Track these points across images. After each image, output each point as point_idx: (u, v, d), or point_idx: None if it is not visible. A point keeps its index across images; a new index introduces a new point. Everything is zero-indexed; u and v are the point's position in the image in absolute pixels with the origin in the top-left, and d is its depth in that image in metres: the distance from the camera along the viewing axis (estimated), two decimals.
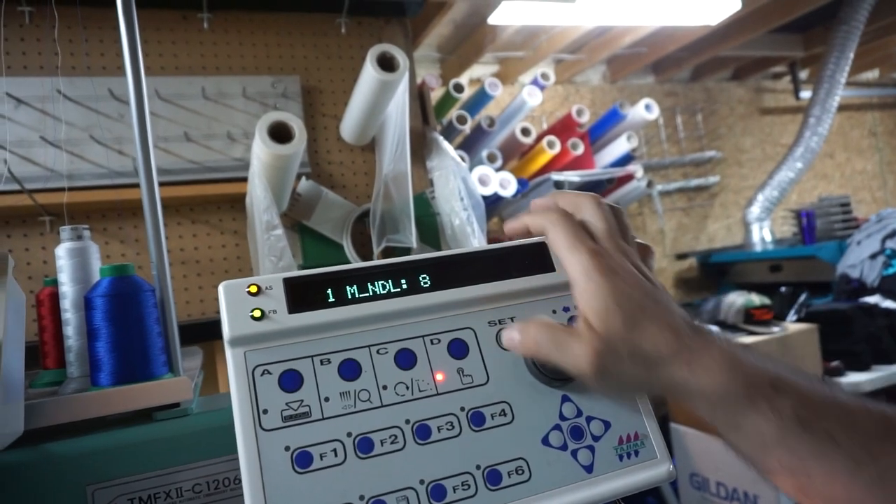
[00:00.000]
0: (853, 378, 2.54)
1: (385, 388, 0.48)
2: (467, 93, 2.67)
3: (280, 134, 1.34)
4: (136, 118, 0.78)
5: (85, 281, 0.70)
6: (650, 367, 0.42)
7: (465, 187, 1.67)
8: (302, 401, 0.47)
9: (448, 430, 0.48)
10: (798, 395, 0.39)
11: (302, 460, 0.44)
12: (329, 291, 0.50)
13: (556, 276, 0.55)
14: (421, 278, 0.53)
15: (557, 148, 2.83)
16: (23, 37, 1.46)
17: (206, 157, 1.55)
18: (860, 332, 2.63)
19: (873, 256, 2.91)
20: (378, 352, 0.50)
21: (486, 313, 0.53)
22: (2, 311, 0.53)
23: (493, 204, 2.83)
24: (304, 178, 1.61)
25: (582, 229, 0.48)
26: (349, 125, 1.65)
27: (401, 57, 1.40)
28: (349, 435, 0.46)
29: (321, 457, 0.45)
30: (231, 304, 0.48)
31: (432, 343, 0.51)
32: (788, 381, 0.40)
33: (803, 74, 4.60)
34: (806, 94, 4.33)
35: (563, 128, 3.10)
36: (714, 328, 0.47)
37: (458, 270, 0.54)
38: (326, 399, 0.47)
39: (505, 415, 0.49)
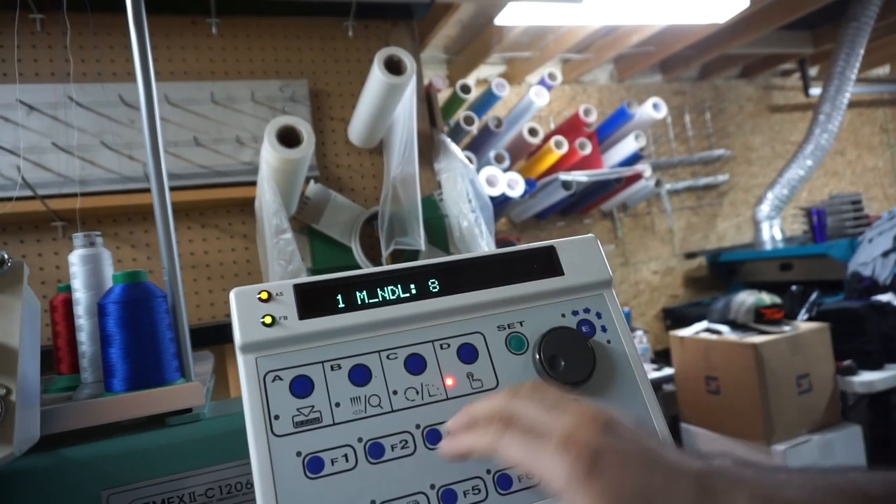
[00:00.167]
0: (866, 377, 2.52)
1: (395, 393, 0.49)
2: (474, 93, 2.67)
3: (288, 138, 1.34)
4: (147, 123, 0.79)
5: (98, 287, 0.71)
6: None
7: (472, 189, 1.67)
8: (313, 406, 0.47)
9: None
10: None
11: (313, 465, 0.45)
12: (339, 297, 0.51)
13: (565, 279, 0.55)
14: (430, 283, 0.53)
15: (565, 148, 2.82)
16: (34, 44, 1.48)
17: (216, 161, 1.56)
18: (872, 331, 2.61)
19: (885, 254, 2.88)
20: (388, 357, 0.50)
21: (496, 317, 0.53)
22: (18, 319, 0.54)
23: (502, 204, 2.84)
24: (312, 182, 1.61)
25: (533, 431, 0.40)
26: (357, 128, 1.65)
27: (408, 60, 1.40)
28: (360, 440, 0.46)
29: (332, 462, 0.45)
30: (242, 311, 0.48)
31: (442, 348, 0.51)
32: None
33: (813, 71, 4.56)
34: (816, 91, 4.29)
35: (571, 127, 3.09)
36: (726, 458, 0.39)
37: (467, 275, 0.54)
38: (337, 404, 0.47)
39: None
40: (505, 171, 2.62)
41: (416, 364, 0.50)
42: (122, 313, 0.65)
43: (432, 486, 0.45)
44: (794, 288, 3.09)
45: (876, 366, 2.57)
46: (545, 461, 0.38)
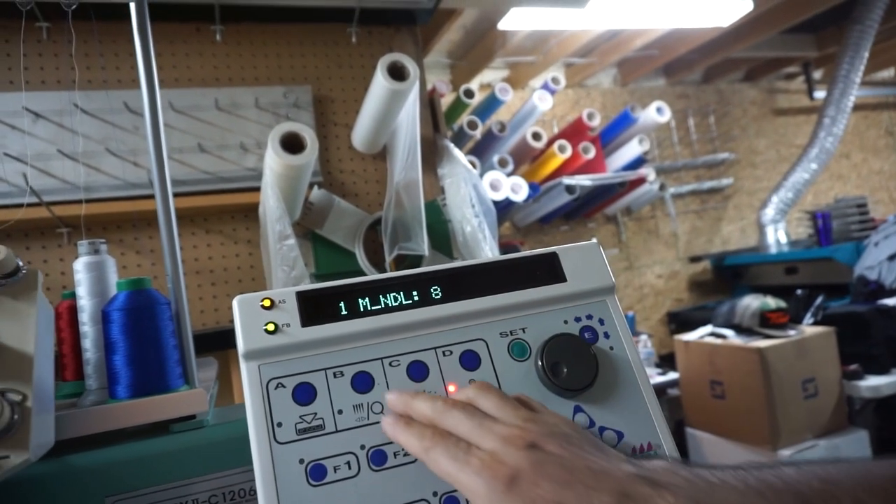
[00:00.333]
0: (872, 381, 2.50)
1: None
2: (478, 98, 2.68)
3: (292, 144, 1.35)
4: (151, 130, 0.80)
5: (102, 294, 0.72)
6: None
7: (476, 194, 1.67)
8: (315, 413, 0.47)
9: None
10: None
11: (316, 473, 0.45)
12: (341, 304, 0.51)
13: (567, 286, 0.55)
14: (432, 290, 0.53)
15: (569, 152, 2.83)
16: (40, 52, 1.49)
17: (220, 167, 1.57)
18: (879, 335, 2.59)
19: (892, 258, 2.87)
20: (391, 364, 0.50)
21: (498, 324, 0.53)
22: (33, 325, 0.54)
23: (505, 209, 2.84)
24: (316, 187, 1.62)
25: (460, 447, 0.41)
26: (360, 134, 1.66)
27: (411, 66, 1.40)
28: (363, 447, 0.46)
29: (335, 469, 0.45)
30: (245, 318, 0.49)
31: (444, 355, 0.51)
32: None
33: (817, 74, 4.56)
34: (820, 94, 4.29)
35: (574, 132, 3.10)
36: (663, 462, 0.40)
37: (470, 282, 0.54)
38: (340, 412, 0.47)
39: None
40: (508, 175, 2.62)
41: (418, 371, 0.50)
42: (126, 320, 0.65)
43: (435, 494, 0.45)
44: (799, 292, 3.08)
45: (882, 370, 2.56)
46: (466, 480, 0.39)
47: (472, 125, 2.55)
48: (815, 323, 2.79)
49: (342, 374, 0.49)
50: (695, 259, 4.10)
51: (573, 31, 3.11)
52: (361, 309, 0.51)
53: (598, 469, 0.38)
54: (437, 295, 0.53)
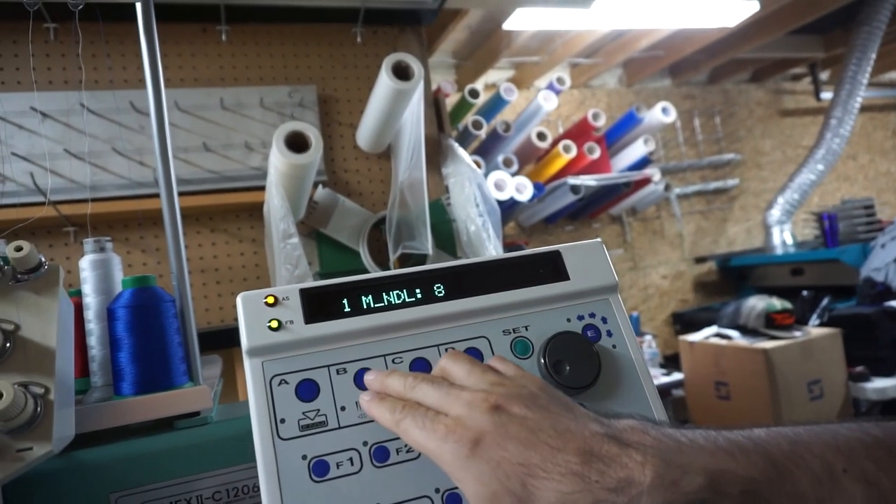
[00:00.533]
0: (878, 383, 2.49)
1: None
2: (483, 98, 2.68)
3: (297, 143, 1.35)
4: (156, 130, 0.80)
5: (108, 292, 0.72)
6: None
7: (480, 193, 1.67)
8: (318, 410, 0.47)
9: None
10: (741, 483, 0.34)
11: (319, 469, 0.45)
12: (344, 301, 0.51)
13: (570, 284, 0.55)
14: (435, 288, 0.53)
15: (574, 152, 2.82)
16: (48, 52, 1.50)
17: (225, 166, 1.57)
18: (885, 337, 2.58)
19: None
20: (393, 361, 0.50)
21: (501, 322, 0.54)
22: (55, 320, 0.55)
23: (510, 208, 2.83)
24: (320, 186, 1.62)
25: (429, 416, 0.42)
26: (365, 133, 1.66)
27: (415, 66, 1.41)
28: (365, 444, 0.46)
29: (337, 465, 0.45)
30: (249, 315, 0.49)
31: (447, 352, 0.51)
32: (727, 471, 0.35)
33: (824, 75, 4.54)
34: (827, 95, 4.27)
35: (580, 132, 3.09)
36: (632, 420, 0.39)
37: (473, 280, 0.54)
38: (342, 408, 0.48)
39: None
40: (513, 175, 2.62)
41: (421, 368, 0.50)
42: (132, 318, 0.65)
43: (437, 490, 0.46)
44: (805, 293, 3.07)
45: (889, 372, 2.54)
46: (434, 447, 0.40)
47: (477, 125, 2.55)
48: (821, 324, 2.78)
49: (345, 370, 0.49)
50: (700, 260, 4.08)
51: (578, 31, 3.10)
52: (364, 306, 0.51)
53: (563, 429, 0.38)
54: (440, 292, 0.53)
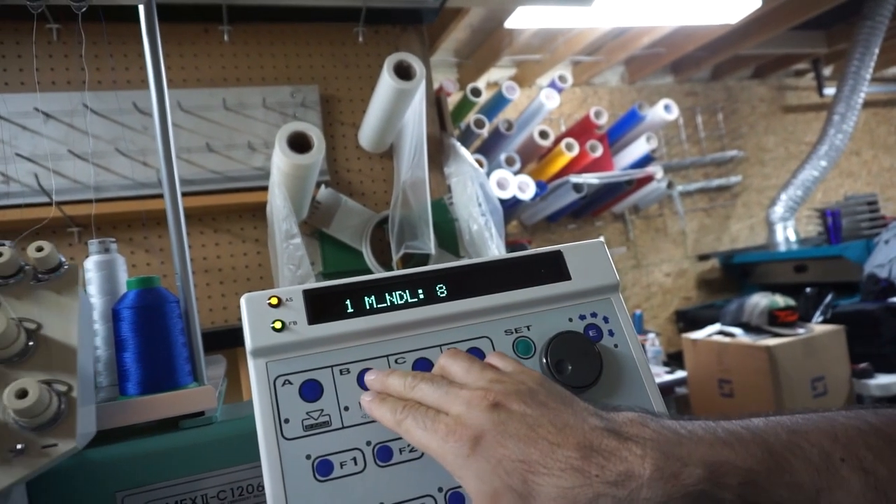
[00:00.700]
0: (882, 380, 2.49)
1: None
2: (485, 96, 2.68)
3: (299, 144, 1.36)
4: (160, 130, 0.81)
5: (112, 293, 0.73)
6: None
7: (482, 193, 1.67)
8: (322, 410, 0.48)
9: None
10: (740, 475, 0.35)
11: (323, 468, 0.45)
12: (348, 302, 0.51)
13: (572, 284, 0.55)
14: (438, 288, 0.53)
15: (576, 150, 2.82)
16: (51, 53, 1.50)
17: (228, 166, 1.58)
18: (889, 334, 2.58)
19: None
20: (396, 361, 0.51)
21: (503, 322, 0.54)
22: (75, 318, 0.56)
23: (513, 207, 2.84)
24: (323, 186, 1.62)
25: (429, 416, 0.42)
26: (367, 133, 1.66)
27: (417, 65, 1.41)
28: (368, 444, 0.47)
29: (341, 465, 0.46)
30: (253, 316, 0.49)
31: (446, 350, 0.52)
32: (726, 462, 0.35)
33: (827, 71, 4.52)
34: (830, 90, 4.26)
35: (582, 130, 3.09)
36: (631, 413, 0.40)
37: (475, 280, 0.54)
38: (346, 408, 0.48)
39: None
40: (516, 173, 2.62)
41: (424, 368, 0.51)
42: (136, 318, 0.66)
43: (440, 490, 0.46)
44: (808, 290, 3.06)
45: (892, 369, 2.54)
46: (435, 446, 0.40)
47: (479, 124, 2.55)
48: (825, 321, 2.78)
49: (348, 371, 0.50)
50: (703, 257, 4.08)
51: (580, 29, 3.10)
52: (367, 307, 0.52)
53: (562, 424, 0.38)
54: (442, 293, 0.53)
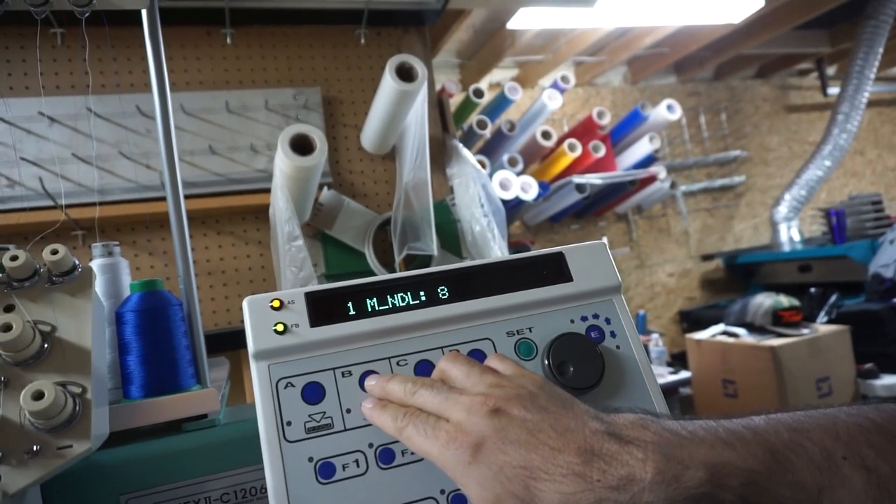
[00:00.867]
0: (887, 380, 2.48)
1: None
2: (487, 97, 2.68)
3: (302, 146, 1.36)
4: (162, 133, 0.81)
5: (116, 296, 0.73)
6: None
7: (485, 194, 1.67)
8: (324, 412, 0.48)
9: None
10: (741, 475, 0.34)
11: (325, 471, 0.46)
12: (349, 305, 0.51)
13: (574, 285, 0.55)
14: (439, 290, 0.53)
15: (579, 151, 2.82)
16: (55, 57, 1.51)
17: (231, 169, 1.58)
18: (894, 334, 2.57)
19: None
20: (398, 363, 0.51)
21: (505, 324, 0.54)
22: (89, 321, 0.56)
23: (515, 208, 2.84)
24: (325, 188, 1.63)
25: (429, 423, 0.42)
26: (369, 135, 1.67)
27: (419, 67, 1.41)
28: (371, 446, 0.47)
29: (344, 467, 0.46)
30: (255, 319, 0.49)
31: (446, 354, 0.52)
32: (727, 463, 0.35)
33: (830, 71, 4.51)
34: (834, 90, 4.25)
35: (585, 130, 3.09)
36: (631, 415, 0.40)
37: (476, 282, 0.54)
38: (348, 411, 0.48)
39: None
40: (518, 174, 2.62)
41: (425, 370, 0.50)
42: (140, 321, 0.66)
43: (442, 492, 0.46)
44: (812, 290, 3.06)
45: None
46: (437, 454, 0.40)
47: (482, 124, 2.55)
48: (829, 321, 2.77)
49: (350, 373, 0.50)
50: (707, 257, 4.07)
51: (582, 29, 3.10)
52: (369, 309, 0.52)
53: (563, 429, 0.38)
54: (444, 295, 0.53)
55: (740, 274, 4.02)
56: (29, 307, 0.56)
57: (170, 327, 0.68)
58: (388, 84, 1.40)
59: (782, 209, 3.72)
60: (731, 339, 2.66)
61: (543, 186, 2.68)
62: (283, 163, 1.34)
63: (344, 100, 1.75)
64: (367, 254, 1.63)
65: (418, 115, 1.54)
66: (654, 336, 3.27)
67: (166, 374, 0.67)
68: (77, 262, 0.60)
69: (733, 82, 4.41)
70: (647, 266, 3.94)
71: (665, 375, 2.95)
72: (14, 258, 0.55)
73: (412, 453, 0.47)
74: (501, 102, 2.71)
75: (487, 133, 2.63)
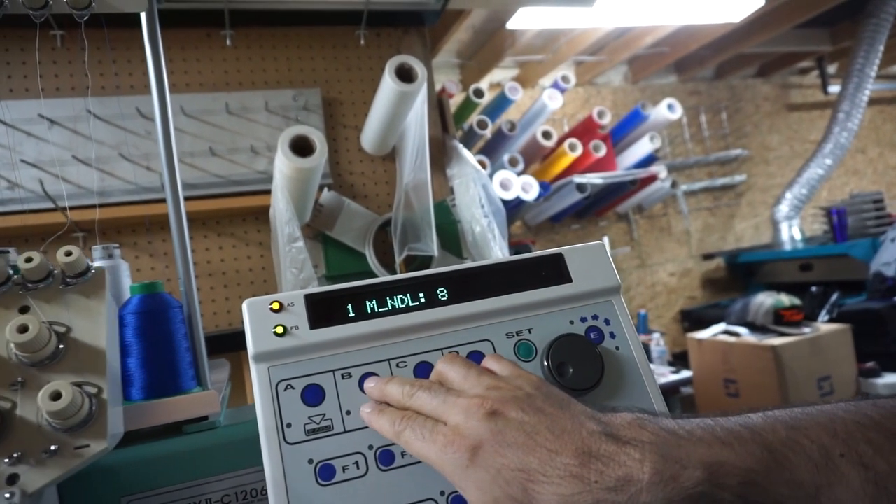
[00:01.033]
0: (889, 379, 2.47)
1: None
2: (487, 97, 2.68)
3: (302, 147, 1.36)
4: (162, 135, 0.81)
5: (116, 298, 0.73)
6: None
7: (485, 194, 1.67)
8: (324, 414, 0.48)
9: None
10: (739, 475, 0.34)
11: (325, 473, 0.46)
12: (349, 307, 0.52)
13: (573, 286, 0.55)
14: (439, 292, 0.53)
15: (579, 150, 2.82)
16: (55, 60, 1.51)
17: (231, 170, 1.58)
18: (895, 332, 2.56)
19: None
20: (398, 365, 0.51)
21: (504, 325, 0.54)
22: (104, 322, 0.57)
23: (516, 208, 2.84)
24: (326, 189, 1.63)
25: (427, 426, 0.42)
26: (369, 135, 1.67)
27: (419, 68, 1.41)
28: (370, 448, 0.47)
29: (343, 469, 0.46)
30: (254, 321, 0.50)
31: (443, 356, 0.52)
32: (725, 463, 0.35)
33: (831, 69, 4.50)
34: (834, 88, 4.24)
35: (585, 130, 3.09)
36: (628, 414, 0.40)
37: (476, 283, 0.54)
38: (348, 412, 0.48)
39: None
40: (519, 174, 2.62)
41: (425, 372, 0.51)
42: (140, 324, 0.66)
43: (442, 493, 0.46)
44: (814, 289, 3.05)
45: None
46: (435, 457, 0.40)
47: (482, 125, 2.55)
48: (831, 320, 2.77)
49: (350, 375, 0.50)
50: (708, 257, 4.07)
51: (583, 29, 3.10)
52: (369, 311, 0.52)
53: (560, 430, 0.38)
54: (443, 296, 0.53)
55: (741, 273, 4.02)
56: (44, 308, 0.56)
57: (170, 329, 0.68)
58: (388, 85, 1.40)
59: (783, 208, 3.71)
60: (732, 339, 2.65)
61: (544, 186, 2.68)
62: (284, 164, 1.34)
63: (344, 101, 1.75)
64: (367, 255, 1.63)
65: (418, 116, 1.54)
66: (656, 336, 3.26)
67: (167, 376, 0.68)
68: (90, 263, 0.61)
69: (734, 81, 4.40)
70: (649, 265, 3.93)
71: (666, 375, 2.95)
72: (29, 260, 0.56)
73: (412, 455, 0.47)
74: (502, 102, 2.71)
75: (488, 133, 2.63)
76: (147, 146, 1.52)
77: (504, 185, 2.52)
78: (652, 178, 3.19)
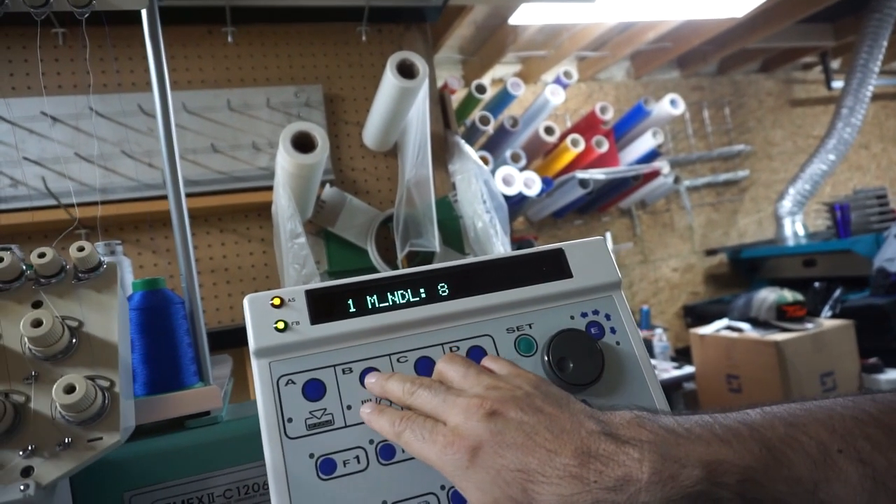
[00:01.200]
0: (892, 375, 2.47)
1: None
2: (490, 93, 2.68)
3: (303, 143, 1.36)
4: (163, 132, 0.81)
5: None
6: None
7: (487, 190, 1.67)
8: (325, 409, 0.48)
9: None
10: (738, 473, 0.34)
11: (326, 467, 0.46)
12: (350, 302, 0.52)
13: (574, 281, 0.55)
14: (439, 287, 0.53)
15: (582, 146, 2.82)
16: (57, 57, 1.52)
17: (233, 167, 1.59)
18: None
19: None
20: (398, 360, 0.51)
21: (505, 320, 0.54)
22: (116, 316, 0.57)
23: (519, 203, 2.84)
24: (328, 185, 1.63)
25: (427, 426, 0.42)
26: (371, 132, 1.67)
27: (420, 64, 1.41)
28: (371, 442, 0.47)
29: (344, 464, 0.46)
30: (256, 317, 0.50)
31: (452, 350, 0.52)
32: (724, 461, 0.35)
33: (835, 64, 4.48)
34: (838, 84, 4.22)
35: (588, 125, 3.08)
36: (627, 413, 0.40)
37: (476, 279, 0.55)
38: (349, 407, 0.48)
39: None
40: (521, 170, 2.62)
41: (426, 367, 0.51)
42: (142, 320, 0.67)
43: (443, 487, 0.46)
44: (817, 285, 3.05)
45: None
46: (435, 458, 0.41)
47: (485, 120, 2.55)
48: (834, 316, 2.76)
49: (351, 370, 0.50)
50: (711, 252, 4.06)
51: (585, 24, 3.09)
52: (369, 306, 0.52)
53: (559, 430, 0.38)
54: (444, 292, 0.53)
55: (744, 269, 4.01)
56: (57, 303, 0.57)
57: (172, 325, 0.69)
58: (390, 81, 1.40)
59: (786, 203, 3.71)
60: (735, 334, 2.65)
61: (546, 182, 2.68)
62: (285, 160, 1.35)
63: (346, 97, 1.75)
64: (369, 251, 1.63)
65: (420, 112, 1.54)
66: (658, 331, 3.26)
67: (169, 372, 0.68)
68: (102, 258, 0.61)
69: (737, 76, 4.39)
70: (651, 261, 3.93)
71: (669, 370, 2.95)
72: (42, 255, 0.56)
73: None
74: (504, 98, 2.71)
75: (490, 129, 2.62)
76: (149, 143, 1.53)
77: (506, 181, 2.52)
78: (655, 174, 3.19)
